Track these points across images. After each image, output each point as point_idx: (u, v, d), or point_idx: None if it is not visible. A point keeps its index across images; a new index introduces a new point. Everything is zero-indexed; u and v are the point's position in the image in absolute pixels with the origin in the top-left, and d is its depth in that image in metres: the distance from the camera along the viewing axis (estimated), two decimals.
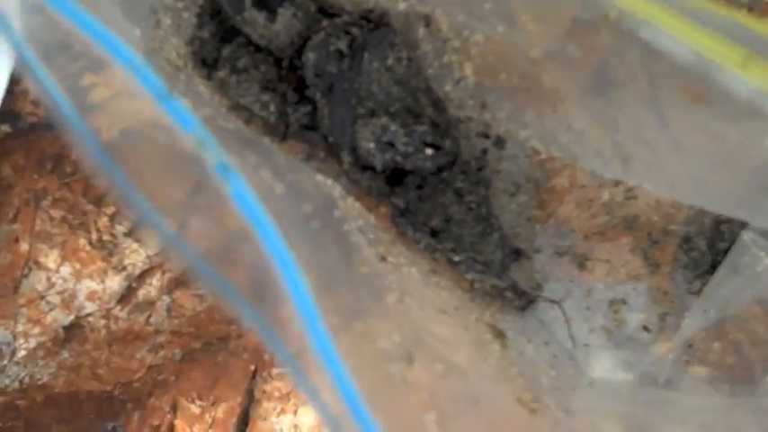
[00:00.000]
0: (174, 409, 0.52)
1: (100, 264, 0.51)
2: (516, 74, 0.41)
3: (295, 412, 0.51)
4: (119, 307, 0.51)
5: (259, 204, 0.24)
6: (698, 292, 0.45)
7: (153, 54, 0.37)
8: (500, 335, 0.42)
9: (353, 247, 0.34)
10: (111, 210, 0.51)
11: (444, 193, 0.46)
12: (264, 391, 0.51)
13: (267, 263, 0.24)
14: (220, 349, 0.52)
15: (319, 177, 0.38)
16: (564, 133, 0.40)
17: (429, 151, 0.44)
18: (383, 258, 0.40)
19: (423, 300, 0.39)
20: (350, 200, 0.42)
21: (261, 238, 0.24)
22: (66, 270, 0.51)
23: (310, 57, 0.44)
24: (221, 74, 0.45)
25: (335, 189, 0.38)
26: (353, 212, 0.39)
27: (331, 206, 0.34)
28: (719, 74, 0.25)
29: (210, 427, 0.51)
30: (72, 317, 0.51)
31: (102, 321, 0.51)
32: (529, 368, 0.40)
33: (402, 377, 0.27)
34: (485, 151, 0.47)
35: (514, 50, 0.40)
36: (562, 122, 0.40)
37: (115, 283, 0.51)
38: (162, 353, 0.52)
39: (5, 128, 0.51)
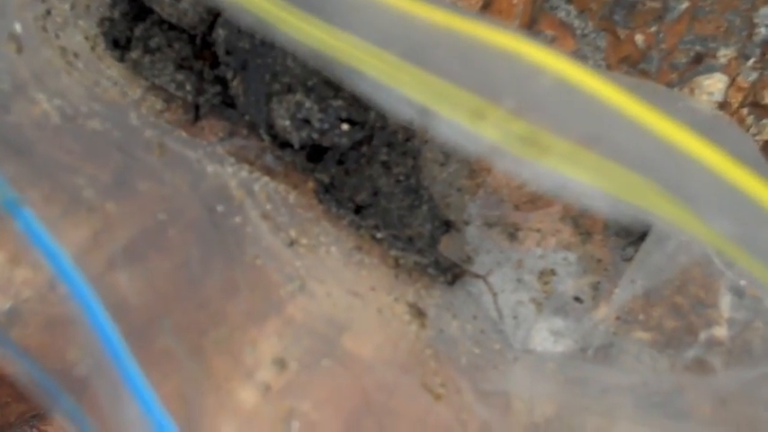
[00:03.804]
0: None
1: None
2: None
3: None
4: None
5: (50, 238, 0.23)
6: (631, 259, 0.44)
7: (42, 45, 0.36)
8: (420, 314, 0.41)
9: (247, 239, 0.33)
10: None
11: (371, 165, 0.45)
12: None
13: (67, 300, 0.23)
14: None
15: (211, 168, 0.37)
16: None
17: (345, 127, 0.42)
18: (293, 243, 0.39)
19: (335, 283, 0.38)
20: (262, 182, 0.41)
21: (58, 275, 0.23)
22: None
23: (221, 33, 0.43)
24: (134, 54, 0.44)
25: (235, 177, 0.37)
26: (262, 197, 0.38)
27: (213, 203, 0.33)
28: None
29: None
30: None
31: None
32: (447, 348, 0.39)
33: (267, 386, 0.26)
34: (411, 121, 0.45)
35: None
36: None
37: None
38: None
39: None
